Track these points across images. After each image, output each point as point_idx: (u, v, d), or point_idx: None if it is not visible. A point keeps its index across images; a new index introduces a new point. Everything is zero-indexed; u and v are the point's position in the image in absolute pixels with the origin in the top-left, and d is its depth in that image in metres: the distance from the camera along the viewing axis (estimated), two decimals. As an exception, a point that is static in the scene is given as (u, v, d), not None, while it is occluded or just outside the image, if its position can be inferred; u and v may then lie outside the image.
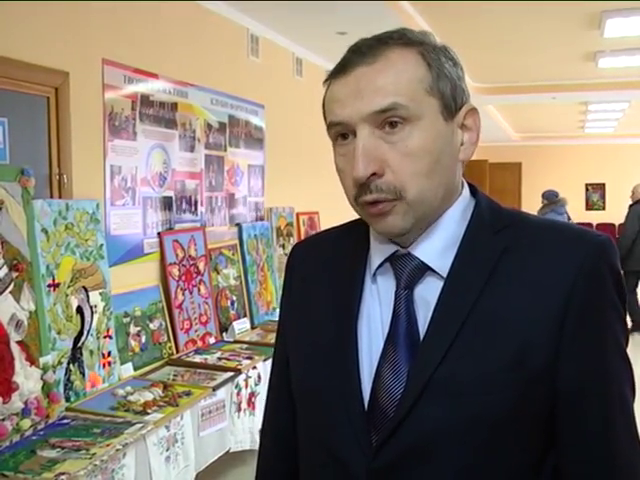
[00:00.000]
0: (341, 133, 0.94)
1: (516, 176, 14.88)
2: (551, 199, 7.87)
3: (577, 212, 13.59)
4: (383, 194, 0.91)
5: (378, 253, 1.01)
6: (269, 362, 3.26)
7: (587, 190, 14.49)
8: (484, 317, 0.91)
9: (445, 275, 0.95)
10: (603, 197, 14.54)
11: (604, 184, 14.42)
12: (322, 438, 1.00)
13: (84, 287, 2.92)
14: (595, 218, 14.07)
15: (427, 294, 0.96)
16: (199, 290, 3.91)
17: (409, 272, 0.97)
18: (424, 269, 0.96)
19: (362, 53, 0.92)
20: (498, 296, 0.92)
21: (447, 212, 0.97)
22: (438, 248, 0.96)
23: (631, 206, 7.72)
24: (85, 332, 2.89)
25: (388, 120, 0.90)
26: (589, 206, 14.37)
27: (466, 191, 1.01)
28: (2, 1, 2.66)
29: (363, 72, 0.91)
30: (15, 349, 2.44)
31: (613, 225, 13.48)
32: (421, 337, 0.94)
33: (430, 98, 0.91)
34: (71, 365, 2.78)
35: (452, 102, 0.94)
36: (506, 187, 14.25)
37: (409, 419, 0.90)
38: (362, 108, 0.90)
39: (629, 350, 0.95)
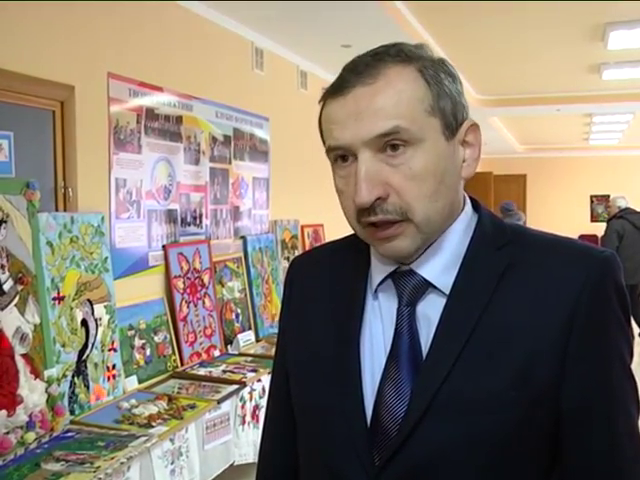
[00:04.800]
0: (341, 155, 0.92)
1: (521, 188, 14.85)
2: (507, 211, 7.81)
3: (582, 224, 13.58)
4: (390, 215, 0.89)
5: (379, 269, 0.99)
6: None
7: (592, 202, 14.43)
8: (487, 335, 0.90)
9: (448, 292, 0.94)
10: (608, 209, 14.48)
11: (609, 196, 14.37)
12: (324, 457, 0.99)
13: (89, 300, 2.92)
14: (600, 230, 14.02)
15: (429, 311, 0.94)
16: (204, 303, 3.91)
17: (411, 289, 0.95)
18: (426, 286, 0.95)
19: (359, 72, 0.90)
20: (501, 313, 0.90)
21: (450, 229, 0.96)
22: (440, 265, 0.95)
23: (609, 221, 7.49)
24: (90, 345, 2.89)
25: (390, 143, 0.88)
26: (594, 218, 14.30)
27: (468, 206, 1.00)
28: (8, 15, 2.68)
29: (362, 93, 0.88)
30: (20, 362, 2.44)
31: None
32: (424, 355, 0.92)
33: (431, 118, 0.90)
34: (76, 378, 2.78)
35: (453, 120, 0.92)
36: (511, 199, 14.22)
37: (412, 439, 0.89)
38: (363, 132, 0.88)
39: (633, 365, 0.94)
